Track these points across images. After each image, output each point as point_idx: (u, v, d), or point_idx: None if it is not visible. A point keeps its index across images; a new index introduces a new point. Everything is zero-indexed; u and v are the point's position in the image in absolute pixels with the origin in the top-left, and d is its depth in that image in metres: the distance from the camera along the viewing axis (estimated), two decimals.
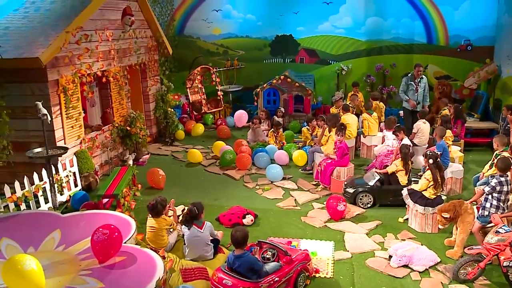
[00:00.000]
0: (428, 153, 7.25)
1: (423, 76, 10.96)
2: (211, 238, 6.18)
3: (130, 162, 10.53)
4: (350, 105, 11.76)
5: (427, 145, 9.84)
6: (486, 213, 6.20)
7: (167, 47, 12.89)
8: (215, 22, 15.16)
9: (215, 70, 14.17)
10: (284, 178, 9.50)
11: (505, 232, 5.47)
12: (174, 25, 15.37)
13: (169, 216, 6.56)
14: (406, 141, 8.93)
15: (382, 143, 10.22)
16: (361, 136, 11.03)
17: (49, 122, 7.52)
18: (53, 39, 8.09)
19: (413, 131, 10.01)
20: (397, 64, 13.94)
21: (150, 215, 6.35)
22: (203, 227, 6.03)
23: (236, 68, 14.98)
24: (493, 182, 6.10)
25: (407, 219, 7.48)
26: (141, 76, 12.12)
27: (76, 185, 8.84)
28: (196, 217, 6.03)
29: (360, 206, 8.06)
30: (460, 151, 9.84)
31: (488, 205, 6.19)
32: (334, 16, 14.30)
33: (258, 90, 13.55)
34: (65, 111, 8.69)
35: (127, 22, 10.70)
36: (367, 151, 10.93)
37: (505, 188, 6.08)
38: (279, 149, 10.76)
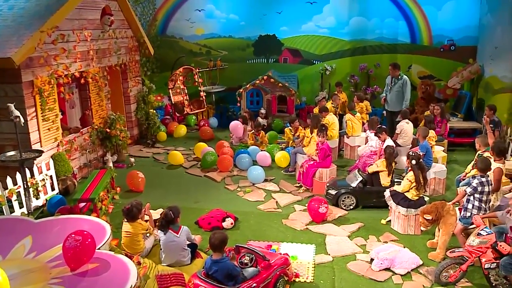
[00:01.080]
0: (411, 153, 7.17)
1: (402, 75, 10.86)
2: (188, 242, 6.01)
3: (110, 164, 10.31)
4: (333, 105, 11.69)
5: (410, 145, 9.78)
6: (468, 214, 6.12)
7: (148, 48, 12.67)
8: (197, 22, 14.94)
9: (197, 70, 13.97)
10: (266, 180, 9.35)
11: (486, 234, 5.39)
12: (156, 25, 15.14)
13: (145, 221, 6.38)
14: (389, 141, 8.85)
15: (365, 144, 10.12)
16: (345, 136, 10.94)
17: (22, 125, 7.29)
18: (26, 38, 7.86)
19: (396, 131, 9.95)
20: (381, 64, 13.87)
21: (126, 220, 6.17)
22: (179, 231, 5.86)
23: (219, 68, 14.79)
24: (475, 182, 6.02)
25: (390, 220, 7.38)
26: (121, 77, 11.90)
27: (53, 189, 8.60)
28: (172, 221, 5.85)
29: (342, 208, 7.94)
30: (443, 151, 9.79)
31: (470, 206, 6.12)
32: (317, 16, 14.18)
33: (241, 90, 13.40)
34: (41, 113, 8.46)
35: (106, 22, 10.48)
36: (350, 151, 10.83)
37: (486, 189, 6.00)
38: (261, 151, 10.61)
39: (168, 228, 5.83)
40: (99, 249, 5.61)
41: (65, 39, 8.99)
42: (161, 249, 6.01)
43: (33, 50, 7.98)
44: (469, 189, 6.07)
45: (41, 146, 8.42)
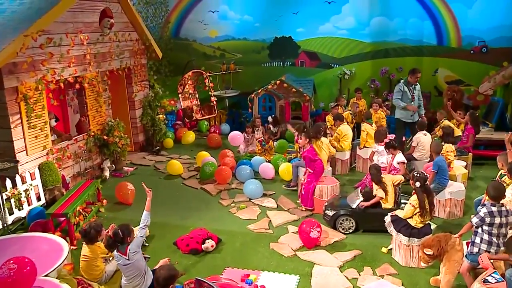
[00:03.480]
0: (416, 174, 6.18)
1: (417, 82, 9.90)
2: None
3: (107, 173, 9.87)
4: (350, 112, 10.82)
5: (428, 159, 8.77)
6: (476, 250, 5.12)
7: (155, 51, 12.17)
8: (211, 24, 14.39)
9: (208, 74, 13.35)
10: (265, 195, 8.59)
11: (495, 282, 4.42)
12: (169, 27, 14.68)
13: None
14: (400, 157, 7.90)
15: (369, 158, 9.19)
16: (357, 148, 10.01)
17: None
18: (9, 43, 7.46)
19: (412, 144, 9.00)
20: (404, 68, 12.79)
21: (84, 242, 5.58)
22: (126, 252, 5.08)
23: (232, 72, 14.13)
24: (482, 212, 5.02)
25: (392, 249, 6.46)
26: (126, 81, 11.45)
27: (39, 199, 8.18)
28: (122, 241, 5.12)
29: (340, 231, 7.06)
30: (465, 167, 8.70)
31: (478, 240, 5.12)
32: (336, 16, 13.31)
33: (252, 96, 12.68)
34: (27, 120, 8.06)
35: (106, 24, 10.03)
36: (363, 164, 9.90)
37: (497, 220, 4.99)
38: (267, 161, 9.88)
39: (116, 249, 5.14)
40: (47, 275, 5.09)
41: (57, 43, 8.59)
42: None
43: (15, 55, 7.57)
44: (475, 220, 5.07)
45: (27, 155, 8.06)
